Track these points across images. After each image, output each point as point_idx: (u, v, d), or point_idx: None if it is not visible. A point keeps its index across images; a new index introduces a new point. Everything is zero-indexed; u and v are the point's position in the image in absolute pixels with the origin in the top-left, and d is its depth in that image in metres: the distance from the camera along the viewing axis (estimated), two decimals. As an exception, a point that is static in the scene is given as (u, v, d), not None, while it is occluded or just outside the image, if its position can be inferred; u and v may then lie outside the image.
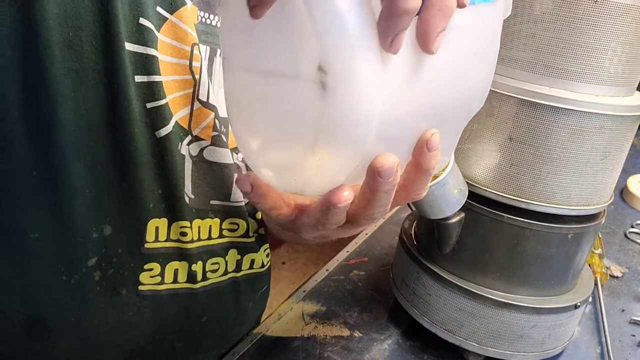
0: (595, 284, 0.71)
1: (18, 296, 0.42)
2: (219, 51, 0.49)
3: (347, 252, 0.81)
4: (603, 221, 0.55)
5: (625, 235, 0.89)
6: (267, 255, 0.60)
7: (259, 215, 0.57)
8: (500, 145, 0.50)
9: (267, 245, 0.60)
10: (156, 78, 0.43)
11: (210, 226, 0.52)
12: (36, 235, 0.41)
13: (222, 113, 0.50)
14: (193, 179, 0.49)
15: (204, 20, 0.47)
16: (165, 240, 0.48)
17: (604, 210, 0.55)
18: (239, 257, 0.56)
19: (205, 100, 0.48)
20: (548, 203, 0.50)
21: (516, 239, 0.53)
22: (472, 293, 0.55)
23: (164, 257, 0.49)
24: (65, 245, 0.43)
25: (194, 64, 0.46)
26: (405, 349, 0.63)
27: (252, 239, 0.56)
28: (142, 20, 0.41)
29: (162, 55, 0.43)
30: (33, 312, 0.44)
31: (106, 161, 0.43)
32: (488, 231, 0.54)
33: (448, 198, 0.50)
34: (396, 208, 0.94)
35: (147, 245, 0.47)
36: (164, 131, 0.45)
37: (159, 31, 0.43)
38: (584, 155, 0.48)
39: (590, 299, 0.61)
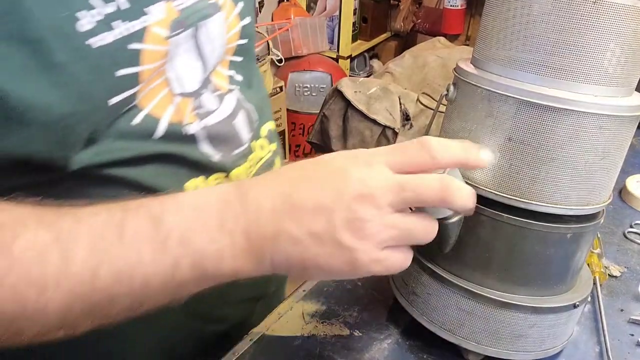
0: (594, 283, 0.71)
1: None
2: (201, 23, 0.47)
3: (347, 251, 0.81)
4: (602, 221, 0.55)
5: (624, 235, 0.89)
6: None
7: None
8: (500, 146, 0.50)
9: None
10: None
11: None
12: None
13: None
14: None
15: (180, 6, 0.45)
16: None
17: (603, 210, 0.55)
18: None
19: None
20: (547, 203, 0.50)
21: (515, 238, 0.53)
22: (471, 292, 0.55)
23: None
24: None
25: None
26: (405, 348, 0.63)
27: None
28: None
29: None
30: None
31: None
32: (487, 231, 0.54)
33: (447, 198, 0.50)
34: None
35: None
36: None
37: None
38: (582, 156, 0.49)
39: (589, 299, 0.61)
